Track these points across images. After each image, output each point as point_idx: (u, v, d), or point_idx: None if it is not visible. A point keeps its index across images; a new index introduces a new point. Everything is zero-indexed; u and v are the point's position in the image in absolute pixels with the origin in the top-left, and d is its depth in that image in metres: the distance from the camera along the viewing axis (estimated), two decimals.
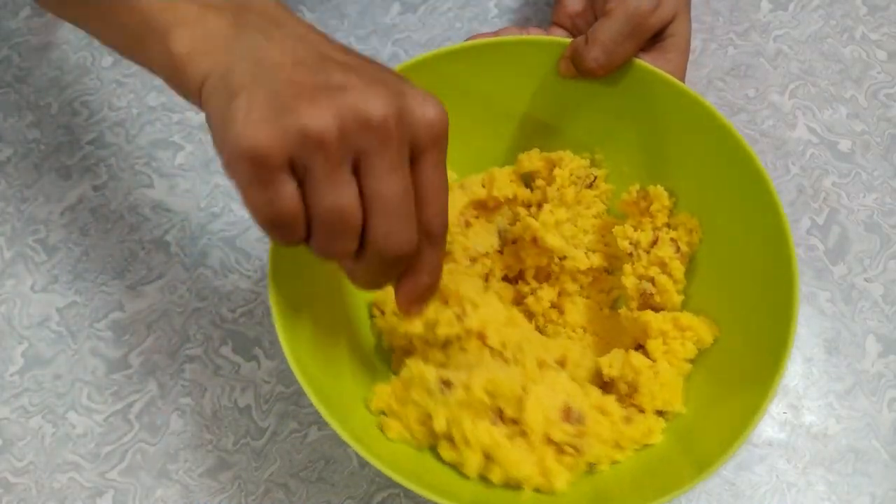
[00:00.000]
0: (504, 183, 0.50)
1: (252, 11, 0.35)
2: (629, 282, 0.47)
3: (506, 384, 0.41)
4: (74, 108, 0.60)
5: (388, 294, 0.46)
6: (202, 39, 0.34)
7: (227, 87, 0.32)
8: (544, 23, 0.60)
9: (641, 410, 0.44)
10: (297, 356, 0.39)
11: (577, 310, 0.49)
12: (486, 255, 0.49)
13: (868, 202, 0.56)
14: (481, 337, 0.43)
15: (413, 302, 0.37)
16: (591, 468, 0.42)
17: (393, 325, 0.46)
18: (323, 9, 0.64)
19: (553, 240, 0.47)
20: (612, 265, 0.50)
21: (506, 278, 0.50)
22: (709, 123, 0.46)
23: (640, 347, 0.46)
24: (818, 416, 0.50)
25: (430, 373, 0.41)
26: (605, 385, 0.45)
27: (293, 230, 0.32)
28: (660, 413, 0.44)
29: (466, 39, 0.50)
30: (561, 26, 0.53)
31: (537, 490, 0.40)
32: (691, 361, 0.45)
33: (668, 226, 0.48)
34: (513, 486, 0.41)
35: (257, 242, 0.54)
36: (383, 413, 0.43)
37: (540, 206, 0.49)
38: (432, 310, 0.41)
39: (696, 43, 0.63)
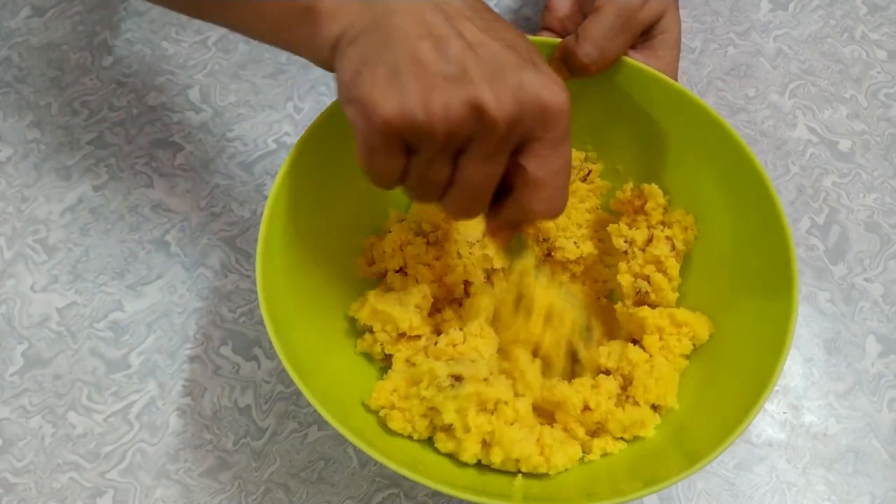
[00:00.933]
0: None
1: None
2: (625, 280, 0.47)
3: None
4: (74, 108, 0.60)
5: (374, 316, 0.46)
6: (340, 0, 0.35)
7: (357, 52, 0.34)
8: None
9: (636, 403, 0.44)
10: (293, 362, 0.39)
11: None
12: (478, 241, 0.49)
13: (868, 202, 0.56)
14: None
15: (497, 233, 0.40)
16: (584, 449, 0.43)
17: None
18: None
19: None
20: (606, 261, 0.50)
21: None
22: (702, 119, 0.46)
23: (636, 343, 0.46)
24: (818, 416, 0.50)
25: (441, 368, 0.41)
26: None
27: (388, 185, 0.37)
28: (654, 408, 0.44)
29: None
30: (551, 30, 0.53)
31: (533, 472, 0.41)
32: (687, 357, 0.45)
33: (663, 224, 0.48)
34: (510, 470, 0.41)
35: (257, 243, 0.54)
36: (384, 408, 0.43)
37: None
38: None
39: (696, 43, 0.63)
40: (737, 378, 0.42)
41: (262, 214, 0.43)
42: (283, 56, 0.62)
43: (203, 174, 0.57)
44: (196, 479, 0.47)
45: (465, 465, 0.42)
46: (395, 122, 0.33)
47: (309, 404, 0.49)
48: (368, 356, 0.47)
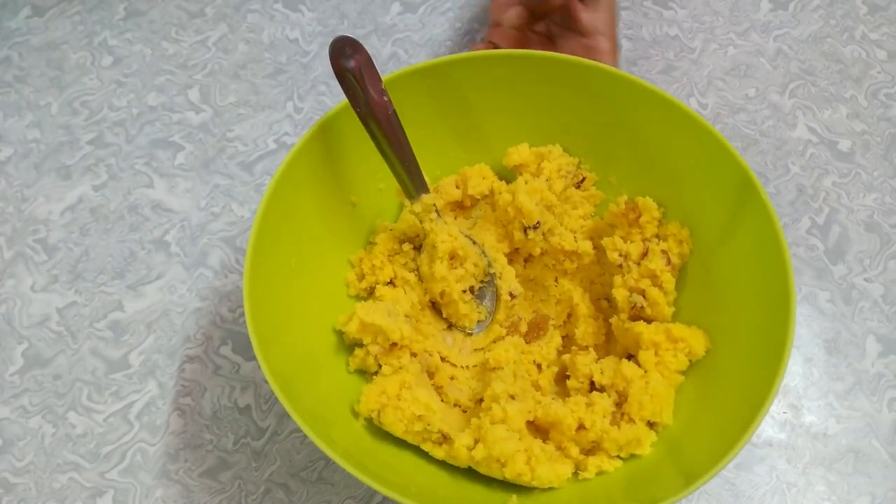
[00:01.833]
0: (477, 181, 0.50)
1: None
2: (620, 294, 0.46)
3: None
4: (74, 108, 0.60)
5: (364, 333, 0.46)
6: None
7: None
8: None
9: (631, 420, 0.43)
10: (279, 380, 0.39)
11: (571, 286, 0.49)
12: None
13: (868, 202, 0.56)
14: None
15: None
16: (579, 467, 0.42)
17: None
18: (323, 8, 0.64)
19: (524, 199, 0.46)
20: (602, 261, 0.50)
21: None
22: (694, 131, 0.45)
23: (631, 357, 0.46)
24: (818, 416, 0.50)
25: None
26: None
27: None
28: (650, 424, 0.43)
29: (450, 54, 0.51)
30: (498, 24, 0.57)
31: (518, 481, 0.41)
32: (683, 373, 0.45)
33: (658, 237, 0.48)
34: (496, 476, 0.41)
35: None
36: (374, 411, 0.43)
37: None
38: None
39: (696, 43, 0.63)
40: (733, 394, 0.41)
41: None
42: (283, 56, 0.62)
43: (203, 174, 0.57)
44: (196, 479, 0.47)
45: (457, 479, 0.41)
46: None
47: None
48: (361, 371, 0.46)
